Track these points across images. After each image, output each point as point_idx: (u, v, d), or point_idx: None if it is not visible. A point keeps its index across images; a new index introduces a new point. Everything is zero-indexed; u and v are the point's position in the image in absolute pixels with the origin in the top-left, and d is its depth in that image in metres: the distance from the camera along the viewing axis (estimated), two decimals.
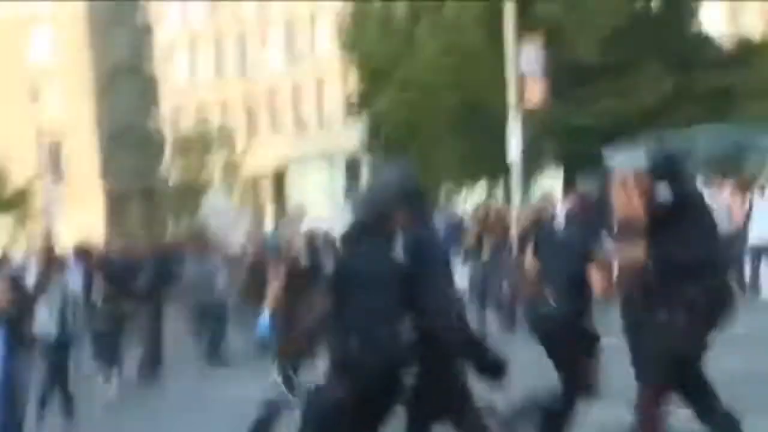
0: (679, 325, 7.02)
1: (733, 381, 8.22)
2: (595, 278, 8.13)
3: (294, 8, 60.35)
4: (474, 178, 37.78)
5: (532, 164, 30.09)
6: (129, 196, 70.32)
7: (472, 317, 11.13)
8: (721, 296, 7.22)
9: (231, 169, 57.84)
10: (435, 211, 24.45)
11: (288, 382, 9.53)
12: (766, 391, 10.09)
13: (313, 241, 10.68)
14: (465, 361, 7.18)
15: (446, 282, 7.23)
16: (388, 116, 37.74)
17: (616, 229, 7.27)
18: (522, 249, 12.79)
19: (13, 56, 69.21)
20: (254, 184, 59.91)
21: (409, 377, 6.94)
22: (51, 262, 14.08)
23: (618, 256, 7.39)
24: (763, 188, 20.30)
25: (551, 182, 32.48)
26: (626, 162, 7.36)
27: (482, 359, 7.22)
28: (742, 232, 19.47)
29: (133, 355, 17.69)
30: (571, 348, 8.21)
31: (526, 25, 28.91)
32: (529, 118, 28.18)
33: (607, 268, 8.05)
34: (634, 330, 7.23)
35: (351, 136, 44.62)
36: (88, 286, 16.74)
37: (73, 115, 70.08)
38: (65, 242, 22.40)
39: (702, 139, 27.43)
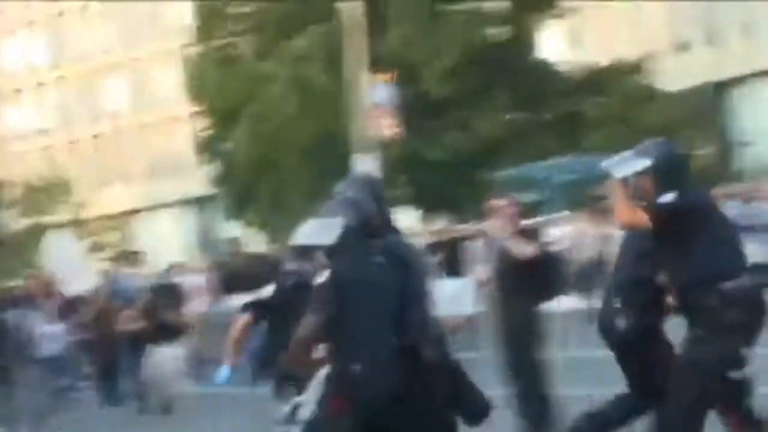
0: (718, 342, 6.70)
1: None
2: None
3: (139, 49, 59.54)
4: None
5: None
6: None
7: None
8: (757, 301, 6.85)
9: (77, 214, 56.44)
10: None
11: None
12: None
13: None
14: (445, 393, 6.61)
15: (427, 295, 6.73)
16: (239, 155, 37.19)
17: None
18: None
19: None
20: (102, 229, 58.64)
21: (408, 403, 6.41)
22: None
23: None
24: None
25: (404, 216, 32.22)
26: (624, 168, 7.04)
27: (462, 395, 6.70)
28: (601, 263, 19.19)
29: None
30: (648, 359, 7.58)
31: (375, 58, 28.82)
32: (382, 151, 28.01)
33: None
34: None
35: (202, 178, 43.86)
36: None
37: None
38: None
39: (555, 171, 27.52)
